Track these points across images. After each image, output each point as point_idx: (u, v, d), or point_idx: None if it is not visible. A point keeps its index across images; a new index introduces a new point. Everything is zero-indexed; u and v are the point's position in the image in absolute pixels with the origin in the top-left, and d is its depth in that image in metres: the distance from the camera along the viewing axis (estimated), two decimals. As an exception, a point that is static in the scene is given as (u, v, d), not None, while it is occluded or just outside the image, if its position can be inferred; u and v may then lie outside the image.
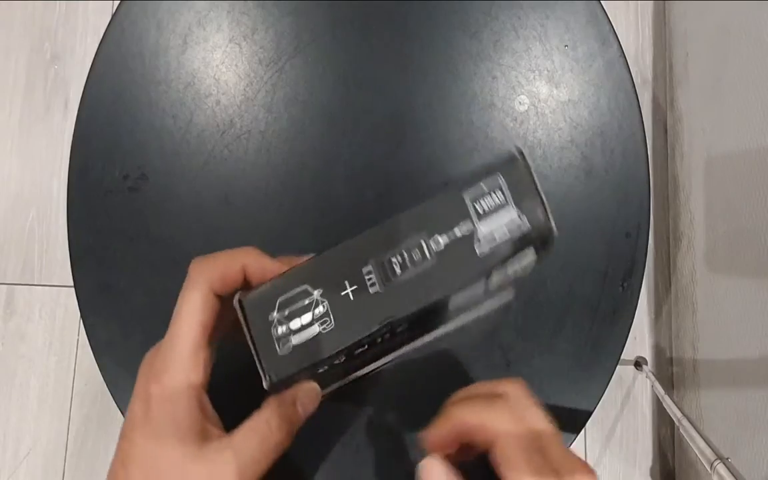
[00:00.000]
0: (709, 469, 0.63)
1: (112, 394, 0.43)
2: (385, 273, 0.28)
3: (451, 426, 0.29)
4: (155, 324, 0.43)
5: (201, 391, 0.29)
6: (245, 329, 0.28)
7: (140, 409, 0.29)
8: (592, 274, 0.43)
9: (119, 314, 0.43)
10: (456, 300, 0.31)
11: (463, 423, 0.29)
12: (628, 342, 0.43)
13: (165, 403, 0.28)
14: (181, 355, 0.29)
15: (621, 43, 0.46)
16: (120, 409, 0.43)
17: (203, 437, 0.28)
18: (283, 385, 0.29)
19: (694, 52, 1.01)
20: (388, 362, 0.39)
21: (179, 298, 0.31)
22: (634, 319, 0.44)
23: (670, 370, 1.06)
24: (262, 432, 0.29)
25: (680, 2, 1.08)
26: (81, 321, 1.06)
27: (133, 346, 0.43)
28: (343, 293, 0.28)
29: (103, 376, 0.43)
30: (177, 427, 0.28)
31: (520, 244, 0.29)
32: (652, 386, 0.94)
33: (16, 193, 1.12)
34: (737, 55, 0.86)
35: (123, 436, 0.29)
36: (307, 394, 0.32)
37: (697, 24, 1.01)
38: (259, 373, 0.28)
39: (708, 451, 0.65)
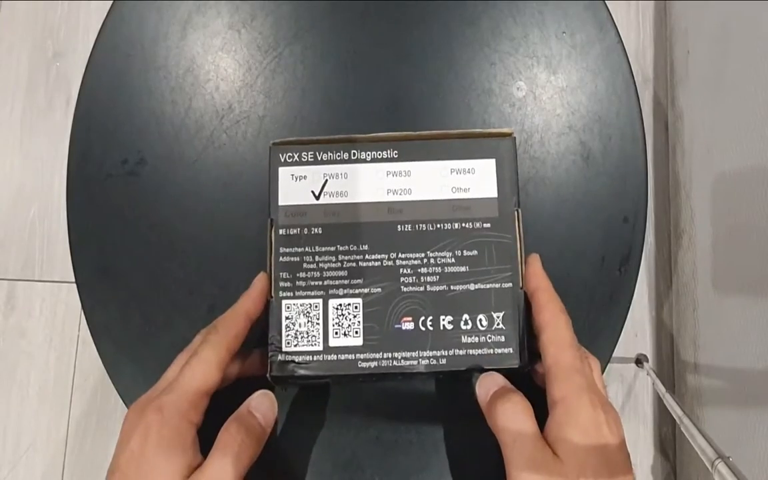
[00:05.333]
0: (710, 468, 0.63)
1: (111, 377, 0.43)
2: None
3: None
4: (154, 308, 0.43)
5: (195, 430, 0.32)
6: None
7: (138, 444, 0.30)
8: (590, 258, 0.43)
9: (118, 298, 0.43)
10: None
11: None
12: (629, 339, 0.43)
13: (163, 428, 0.30)
14: (188, 395, 0.31)
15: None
16: (119, 393, 0.43)
17: (188, 466, 0.30)
18: None
19: (695, 49, 1.01)
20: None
21: (200, 349, 0.33)
22: (636, 318, 0.44)
23: (671, 368, 1.06)
24: (232, 451, 0.31)
25: (681, 0, 1.08)
26: (81, 317, 1.07)
27: (132, 329, 0.43)
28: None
29: (102, 360, 0.43)
30: (168, 460, 0.30)
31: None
32: (653, 384, 0.94)
33: (17, 189, 1.12)
34: (738, 52, 0.86)
35: (117, 469, 0.30)
36: (261, 401, 0.34)
37: (698, 22, 1.01)
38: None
39: (709, 450, 0.65)
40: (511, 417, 0.31)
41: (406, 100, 0.45)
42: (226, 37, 0.46)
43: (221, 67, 0.46)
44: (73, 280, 0.44)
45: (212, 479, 0.30)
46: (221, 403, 0.34)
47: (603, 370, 0.42)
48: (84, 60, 0.46)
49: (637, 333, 1.07)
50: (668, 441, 1.05)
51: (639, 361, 1.05)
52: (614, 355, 0.43)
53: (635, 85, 0.45)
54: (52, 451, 1.05)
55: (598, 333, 0.42)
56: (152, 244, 0.44)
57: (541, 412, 0.32)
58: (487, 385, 0.34)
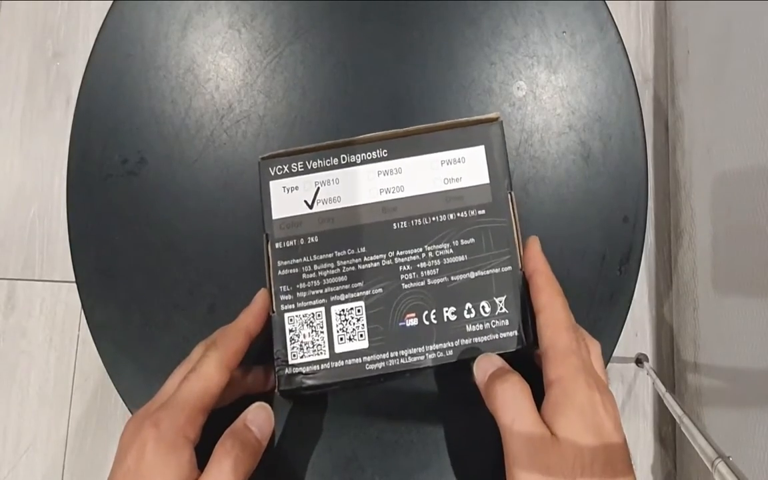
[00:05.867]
0: (710, 468, 0.63)
1: (111, 377, 0.43)
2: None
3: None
4: (154, 307, 0.43)
5: (192, 446, 0.31)
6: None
7: (134, 460, 0.30)
8: (590, 258, 0.43)
9: (118, 298, 0.43)
10: None
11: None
12: (629, 339, 0.43)
13: (160, 444, 0.30)
14: (185, 412, 0.31)
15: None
16: (119, 393, 0.43)
17: None
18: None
19: (695, 49, 1.01)
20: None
21: (198, 365, 0.33)
22: (636, 316, 0.44)
23: (671, 367, 1.06)
24: (228, 466, 0.30)
25: (681, 0, 1.08)
26: (81, 317, 1.07)
27: (132, 329, 0.43)
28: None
29: (102, 360, 0.43)
30: (164, 476, 0.30)
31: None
32: (653, 384, 0.94)
33: (17, 189, 1.12)
34: (738, 52, 0.86)
35: None
36: (257, 414, 0.34)
37: (698, 22, 1.01)
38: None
39: (709, 450, 0.64)
40: (510, 398, 0.31)
41: (406, 100, 0.45)
42: (226, 36, 0.46)
43: (221, 66, 0.46)
44: (73, 279, 0.44)
45: None
46: (219, 416, 0.33)
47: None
48: (84, 60, 0.46)
49: (637, 333, 1.07)
50: (668, 440, 1.05)
51: (639, 360, 1.05)
52: (614, 354, 0.43)
53: (635, 85, 0.45)
54: (52, 451, 1.05)
55: (598, 333, 0.42)
56: (152, 244, 0.44)
57: (539, 393, 0.32)
58: (484, 367, 0.34)
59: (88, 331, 0.43)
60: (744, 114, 0.82)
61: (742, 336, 0.82)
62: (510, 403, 0.31)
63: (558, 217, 0.43)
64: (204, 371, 0.33)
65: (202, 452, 0.32)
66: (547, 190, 0.44)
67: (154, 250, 0.44)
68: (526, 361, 0.36)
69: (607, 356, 0.42)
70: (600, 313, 0.42)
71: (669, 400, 0.81)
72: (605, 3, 0.46)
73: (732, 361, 0.85)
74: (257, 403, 0.34)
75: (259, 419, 0.34)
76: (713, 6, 0.95)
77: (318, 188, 0.37)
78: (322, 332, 0.36)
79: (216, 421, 0.33)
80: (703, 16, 0.99)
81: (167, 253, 0.44)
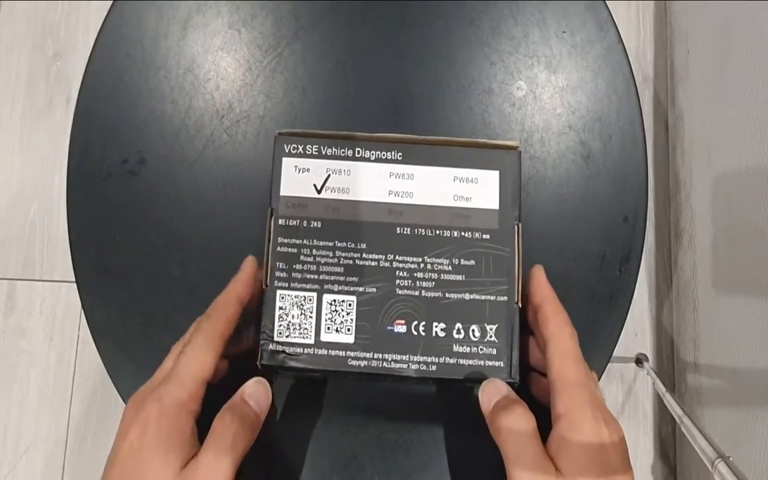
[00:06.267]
0: (710, 468, 0.63)
1: (111, 377, 0.43)
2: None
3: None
4: (154, 308, 0.43)
5: (194, 419, 0.32)
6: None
7: (137, 436, 0.30)
8: (590, 258, 0.43)
9: (118, 298, 0.43)
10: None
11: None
12: (629, 339, 0.43)
13: (162, 419, 0.30)
14: (185, 385, 0.31)
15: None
16: (119, 393, 0.43)
17: (186, 457, 0.30)
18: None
19: (695, 49, 1.01)
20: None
21: (193, 338, 0.33)
22: (636, 316, 0.44)
23: (671, 368, 1.06)
24: (227, 440, 0.31)
25: (681, 1, 1.08)
26: (82, 316, 1.07)
27: (132, 329, 0.43)
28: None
29: (102, 359, 0.43)
30: (167, 451, 0.30)
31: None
32: (653, 384, 0.94)
33: (17, 188, 1.12)
34: (738, 52, 0.86)
35: (115, 462, 0.30)
36: (255, 388, 0.34)
37: (698, 22, 1.01)
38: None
39: (709, 450, 0.64)
40: (514, 430, 0.31)
41: (406, 100, 0.45)
42: (226, 36, 0.46)
43: (221, 66, 0.46)
44: (73, 279, 0.44)
45: (208, 469, 0.30)
46: (216, 391, 0.34)
47: (603, 370, 0.42)
48: (84, 60, 0.46)
49: (637, 333, 1.07)
50: (668, 441, 1.05)
51: (639, 360, 1.05)
52: (614, 355, 0.43)
53: (635, 85, 0.45)
54: (52, 451, 1.05)
55: (598, 333, 0.42)
56: (152, 244, 0.44)
57: (544, 422, 0.32)
58: (489, 393, 0.33)
59: (88, 331, 0.43)
60: (744, 114, 0.82)
61: (742, 336, 0.82)
62: (515, 436, 0.31)
63: (558, 217, 0.44)
64: (199, 344, 0.33)
65: (199, 427, 0.32)
66: (547, 190, 0.44)
67: (154, 250, 0.44)
68: (531, 388, 0.36)
69: (606, 357, 0.42)
70: (600, 313, 0.42)
71: (669, 400, 0.81)
72: (605, 3, 0.46)
73: (732, 361, 0.85)
74: (255, 379, 0.35)
75: (257, 394, 0.34)
76: (713, 6, 0.95)
77: (329, 175, 0.37)
78: (311, 317, 0.36)
79: (211, 396, 0.33)
80: (703, 16, 0.99)
81: (167, 253, 0.44)
